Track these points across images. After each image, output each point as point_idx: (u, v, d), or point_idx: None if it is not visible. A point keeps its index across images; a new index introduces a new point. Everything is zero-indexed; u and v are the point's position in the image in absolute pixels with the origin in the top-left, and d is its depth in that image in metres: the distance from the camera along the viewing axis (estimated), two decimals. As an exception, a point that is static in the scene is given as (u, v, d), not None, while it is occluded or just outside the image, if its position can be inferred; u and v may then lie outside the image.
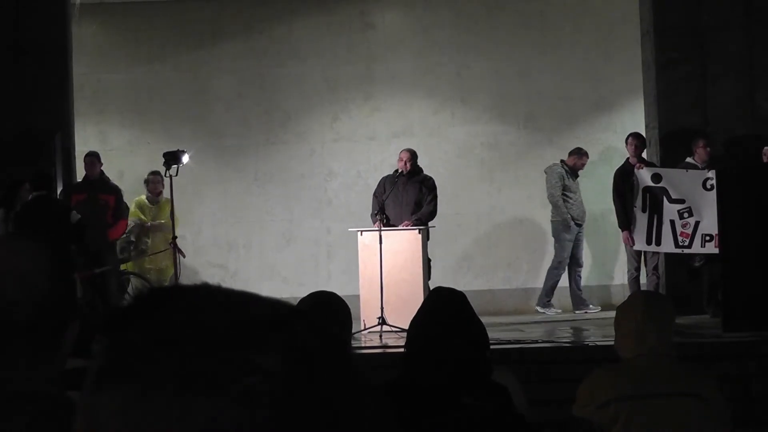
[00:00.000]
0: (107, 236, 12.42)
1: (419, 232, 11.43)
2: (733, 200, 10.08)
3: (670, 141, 12.46)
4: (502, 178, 14.67)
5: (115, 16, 14.79)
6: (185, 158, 11.85)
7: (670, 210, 11.58)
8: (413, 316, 3.88)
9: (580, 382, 4.41)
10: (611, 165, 12.92)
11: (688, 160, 11.98)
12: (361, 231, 11.47)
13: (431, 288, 4.90)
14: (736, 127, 12.33)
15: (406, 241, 11.41)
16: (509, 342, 9.69)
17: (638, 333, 4.24)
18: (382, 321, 10.85)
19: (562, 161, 13.42)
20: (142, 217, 13.66)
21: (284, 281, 14.40)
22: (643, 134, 12.58)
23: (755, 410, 8.54)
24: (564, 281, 13.43)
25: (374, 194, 11.93)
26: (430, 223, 11.79)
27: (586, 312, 13.12)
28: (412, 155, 11.89)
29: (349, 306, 4.52)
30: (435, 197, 11.78)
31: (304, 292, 4.65)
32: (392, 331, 10.55)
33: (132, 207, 13.53)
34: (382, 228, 11.24)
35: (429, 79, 14.76)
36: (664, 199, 11.58)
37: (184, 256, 13.10)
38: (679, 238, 11.56)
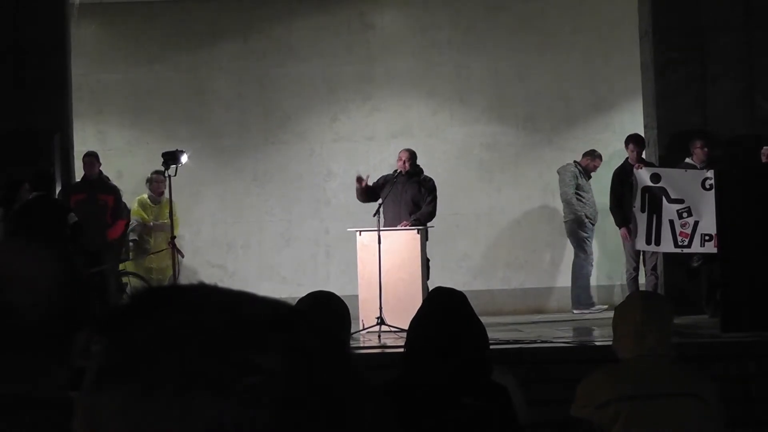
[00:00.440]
0: (106, 236, 12.42)
1: (418, 233, 11.43)
2: (732, 200, 10.08)
3: (670, 141, 12.46)
4: (501, 178, 14.67)
5: (115, 16, 14.78)
6: (184, 158, 11.85)
7: (669, 210, 11.57)
8: (413, 316, 3.88)
9: (579, 382, 4.41)
10: (610, 165, 12.91)
11: (687, 160, 11.98)
12: (360, 231, 11.47)
13: (430, 288, 4.90)
14: (735, 128, 12.33)
15: (405, 242, 11.41)
16: (508, 342, 9.68)
17: (637, 333, 4.24)
18: (381, 321, 10.85)
19: (575, 162, 13.45)
20: (145, 216, 13.66)
21: (283, 281, 14.39)
22: (642, 135, 12.57)
23: (754, 411, 8.54)
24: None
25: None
26: (428, 224, 11.79)
27: (584, 312, 13.12)
28: (411, 155, 11.88)
29: (348, 306, 4.51)
30: (434, 198, 11.78)
31: (302, 292, 4.65)
32: (391, 331, 10.55)
33: (134, 206, 13.54)
34: (381, 228, 11.23)
35: (428, 80, 14.76)
36: (663, 199, 11.58)
37: (182, 256, 13.10)
38: (679, 238, 11.56)
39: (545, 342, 9.90)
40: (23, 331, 1.85)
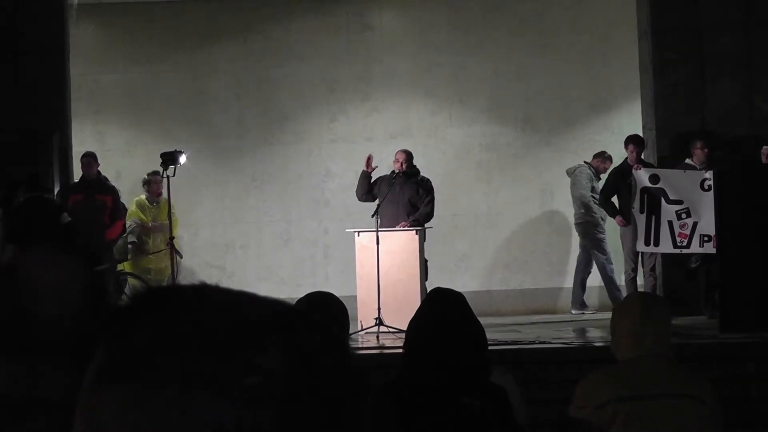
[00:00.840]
0: (104, 237, 12.41)
1: (416, 233, 11.43)
2: (731, 201, 10.08)
3: (668, 142, 12.46)
4: (500, 179, 14.67)
5: (113, 16, 14.78)
6: (183, 159, 11.85)
7: (667, 211, 11.57)
8: (411, 316, 3.88)
9: (578, 382, 4.41)
10: (609, 166, 12.94)
11: (687, 161, 11.97)
12: (359, 232, 11.47)
13: (428, 289, 4.90)
14: (734, 128, 12.33)
15: (403, 242, 11.41)
16: (507, 343, 9.69)
17: (635, 334, 4.24)
18: (379, 322, 10.86)
19: (587, 163, 13.37)
20: (143, 217, 13.66)
21: (282, 282, 14.39)
22: (641, 135, 12.57)
23: (753, 411, 8.54)
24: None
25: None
26: (427, 224, 11.79)
27: (583, 313, 13.12)
28: (408, 156, 11.88)
29: (347, 306, 4.51)
30: (432, 199, 11.78)
31: (301, 293, 4.65)
32: (389, 332, 10.55)
33: (132, 207, 13.53)
34: (380, 229, 11.24)
35: (427, 80, 14.76)
36: (662, 199, 11.58)
37: (181, 257, 13.09)
38: (677, 239, 11.56)
39: (544, 343, 9.90)
40: (48, 343, 1.85)
